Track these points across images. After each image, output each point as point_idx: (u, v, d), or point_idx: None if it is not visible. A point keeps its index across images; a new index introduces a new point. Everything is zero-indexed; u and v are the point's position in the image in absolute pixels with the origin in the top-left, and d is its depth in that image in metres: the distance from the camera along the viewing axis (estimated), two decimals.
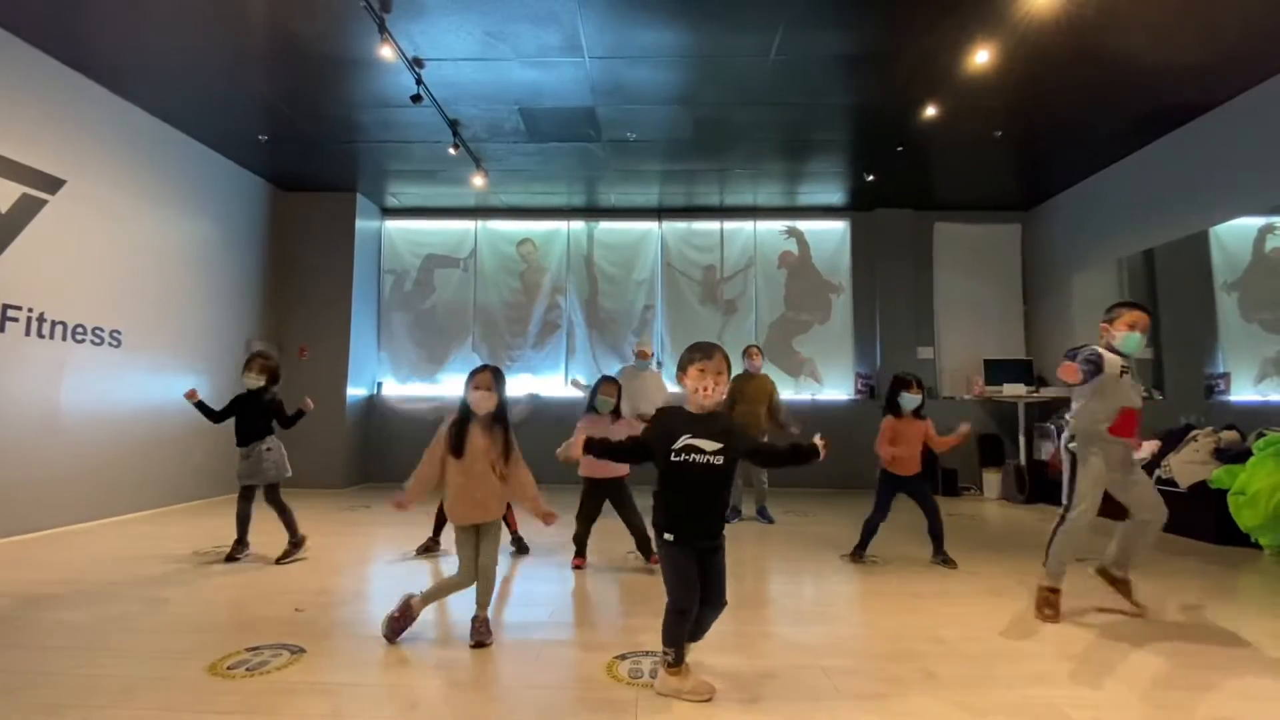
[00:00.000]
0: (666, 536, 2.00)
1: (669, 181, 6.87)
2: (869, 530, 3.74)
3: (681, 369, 2.10)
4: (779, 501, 5.88)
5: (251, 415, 3.68)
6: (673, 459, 2.00)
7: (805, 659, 2.22)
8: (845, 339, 7.58)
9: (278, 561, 3.56)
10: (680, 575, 1.99)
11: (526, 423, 4.24)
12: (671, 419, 2.05)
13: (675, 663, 1.98)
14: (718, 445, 1.99)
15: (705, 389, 2.02)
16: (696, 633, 2.08)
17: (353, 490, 6.81)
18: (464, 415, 2.50)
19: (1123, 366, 2.75)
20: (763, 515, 5.07)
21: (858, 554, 3.73)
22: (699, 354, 2.05)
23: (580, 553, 3.60)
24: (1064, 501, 2.80)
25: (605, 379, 3.75)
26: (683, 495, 2.01)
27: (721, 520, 2.08)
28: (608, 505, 3.61)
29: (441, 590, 2.51)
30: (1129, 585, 2.81)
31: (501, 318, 7.71)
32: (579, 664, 2.20)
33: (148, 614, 2.71)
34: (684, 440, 1.99)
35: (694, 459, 1.98)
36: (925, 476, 3.77)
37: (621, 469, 3.54)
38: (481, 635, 2.38)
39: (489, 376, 2.51)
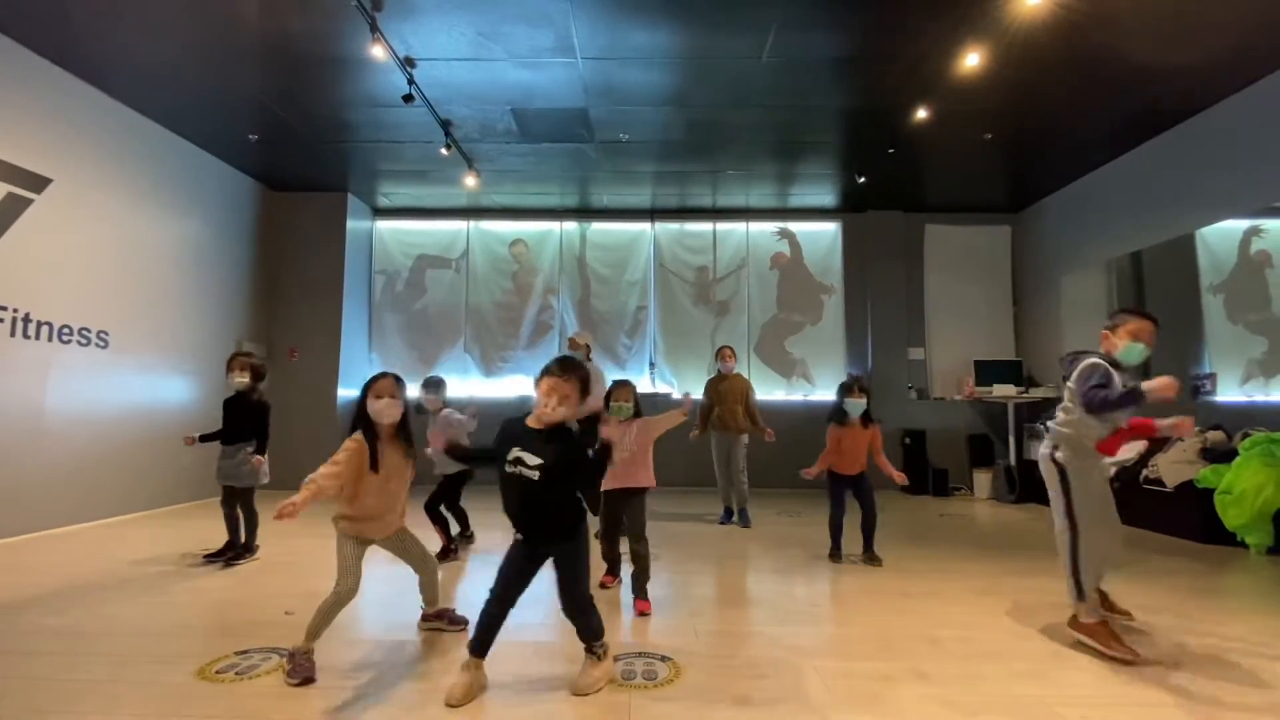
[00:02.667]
0: (517, 536, 2.10)
1: (661, 183, 6.88)
2: (835, 528, 3.80)
3: (536, 383, 2.12)
4: (772, 502, 5.89)
5: (238, 416, 3.67)
6: (505, 469, 2.05)
7: (797, 659, 2.22)
8: (837, 340, 7.62)
9: (226, 563, 3.53)
10: (501, 567, 2.09)
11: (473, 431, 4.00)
12: (512, 429, 2.10)
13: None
14: (538, 461, 2.00)
15: (546, 406, 2.04)
16: (579, 632, 2.11)
17: None
18: (369, 428, 2.24)
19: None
20: (741, 517, 5.01)
21: (835, 554, 3.77)
22: (547, 372, 2.07)
23: (612, 570, 3.26)
24: (1062, 522, 2.45)
25: (618, 383, 3.27)
26: (513, 501, 2.06)
27: (558, 527, 2.08)
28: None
29: (324, 615, 2.14)
30: (1104, 597, 2.71)
31: (493, 319, 7.69)
32: (573, 665, 2.19)
33: (135, 618, 2.68)
34: (515, 452, 2.03)
35: (520, 471, 2.01)
36: (866, 475, 3.77)
37: (648, 480, 3.10)
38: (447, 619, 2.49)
39: (392, 383, 2.27)
